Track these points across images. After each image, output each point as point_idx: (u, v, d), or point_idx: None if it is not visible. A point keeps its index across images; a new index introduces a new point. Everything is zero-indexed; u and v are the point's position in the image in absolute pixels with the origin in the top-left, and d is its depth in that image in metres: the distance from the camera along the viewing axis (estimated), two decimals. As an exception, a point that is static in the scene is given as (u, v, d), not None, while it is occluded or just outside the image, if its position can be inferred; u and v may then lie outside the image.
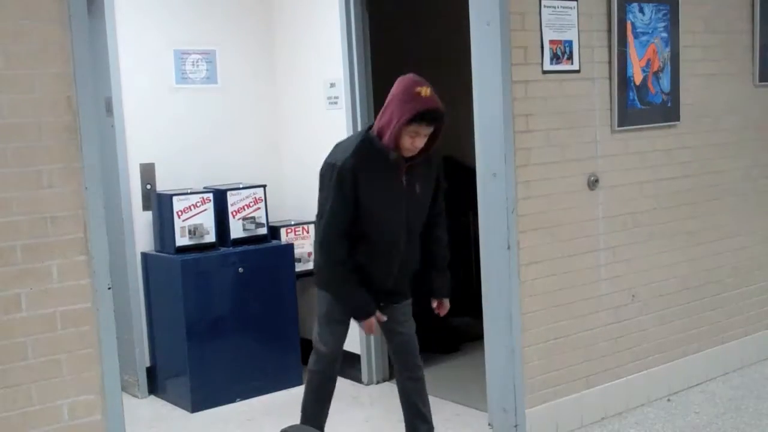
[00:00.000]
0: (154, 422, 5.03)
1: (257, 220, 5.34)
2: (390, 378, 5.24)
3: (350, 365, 5.16)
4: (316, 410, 3.95)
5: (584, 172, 4.48)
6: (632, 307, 4.75)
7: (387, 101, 3.62)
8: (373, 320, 3.77)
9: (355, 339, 5.03)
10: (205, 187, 5.35)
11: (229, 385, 5.17)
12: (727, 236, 5.24)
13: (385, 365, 5.31)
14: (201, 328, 5.08)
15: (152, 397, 5.37)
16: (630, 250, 4.72)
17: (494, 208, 4.21)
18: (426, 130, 3.57)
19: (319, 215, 3.73)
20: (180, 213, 5.09)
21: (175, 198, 5.09)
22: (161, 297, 5.26)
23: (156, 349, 5.36)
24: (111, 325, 3.13)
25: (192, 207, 5.13)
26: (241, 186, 5.37)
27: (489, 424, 4.41)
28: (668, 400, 4.88)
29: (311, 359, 3.96)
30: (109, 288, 3.11)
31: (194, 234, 5.12)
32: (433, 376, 5.45)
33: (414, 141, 3.56)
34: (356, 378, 5.35)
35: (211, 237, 5.20)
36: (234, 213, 5.28)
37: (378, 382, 5.33)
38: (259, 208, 5.37)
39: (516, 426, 4.28)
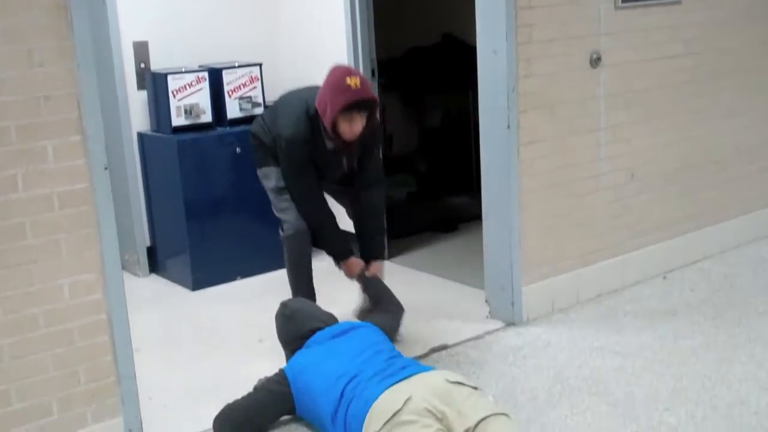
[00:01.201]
0: (156, 300, 5.11)
1: (254, 100, 5.27)
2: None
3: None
4: (297, 276, 4.17)
5: (587, 50, 4.40)
6: (631, 186, 4.74)
7: (321, 89, 3.87)
8: (353, 261, 4.14)
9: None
10: (199, 66, 5.26)
11: (229, 264, 5.22)
12: (730, 115, 5.19)
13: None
14: (200, 207, 5.10)
15: (153, 275, 5.44)
16: (631, 129, 4.68)
17: (494, 86, 4.15)
18: (360, 116, 3.83)
19: (286, 177, 4.03)
20: (175, 92, 5.02)
21: (169, 77, 5.02)
22: (159, 177, 5.25)
23: (156, 229, 5.40)
24: (109, 205, 3.12)
25: (187, 86, 5.06)
26: (236, 65, 5.28)
27: (486, 301, 4.47)
28: (664, 277, 4.93)
29: (280, 229, 4.16)
30: (106, 168, 3.09)
31: (190, 114, 5.06)
32: (431, 255, 5.52)
33: (351, 127, 3.82)
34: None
35: (207, 117, 5.15)
36: (230, 92, 5.21)
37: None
38: (255, 87, 5.29)
39: (513, 303, 4.34)
